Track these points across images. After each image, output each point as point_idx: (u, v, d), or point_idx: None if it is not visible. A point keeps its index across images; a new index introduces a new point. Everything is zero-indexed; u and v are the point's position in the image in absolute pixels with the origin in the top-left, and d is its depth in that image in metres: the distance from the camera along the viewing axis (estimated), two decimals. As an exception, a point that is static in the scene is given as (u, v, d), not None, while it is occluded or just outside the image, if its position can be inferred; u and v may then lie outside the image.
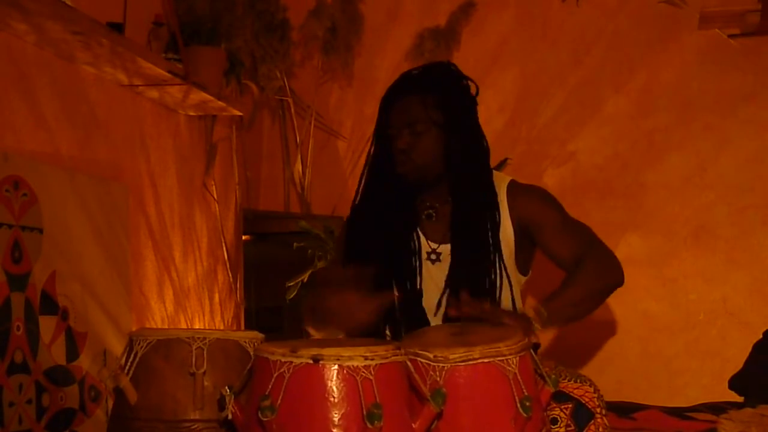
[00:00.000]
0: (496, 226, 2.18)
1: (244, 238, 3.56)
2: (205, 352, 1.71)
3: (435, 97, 2.19)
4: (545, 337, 3.35)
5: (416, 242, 2.21)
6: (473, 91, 2.26)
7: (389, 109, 2.23)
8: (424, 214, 2.23)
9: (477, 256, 2.14)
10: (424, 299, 2.18)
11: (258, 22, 3.46)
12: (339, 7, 3.72)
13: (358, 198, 2.32)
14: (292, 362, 1.48)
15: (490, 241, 2.16)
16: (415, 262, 2.19)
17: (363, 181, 2.31)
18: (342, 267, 2.24)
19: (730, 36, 3.57)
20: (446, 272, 2.17)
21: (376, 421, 1.42)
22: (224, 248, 3.46)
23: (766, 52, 3.56)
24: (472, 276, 2.13)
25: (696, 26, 3.60)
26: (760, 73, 3.56)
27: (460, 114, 2.22)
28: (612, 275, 2.16)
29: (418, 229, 2.23)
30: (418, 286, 2.17)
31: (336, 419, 1.46)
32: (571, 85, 3.75)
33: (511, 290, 2.17)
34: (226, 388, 1.57)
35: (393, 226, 2.21)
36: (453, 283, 2.13)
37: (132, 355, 1.74)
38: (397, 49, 3.85)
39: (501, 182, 2.24)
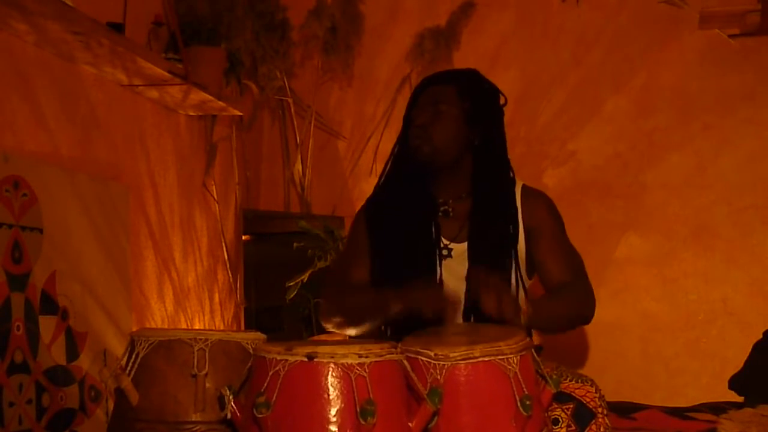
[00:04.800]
0: (515, 230, 2.20)
1: (244, 238, 3.56)
2: (207, 354, 1.71)
3: (468, 91, 2.23)
4: (546, 337, 3.36)
5: (435, 234, 2.22)
6: (501, 101, 2.30)
7: (420, 94, 2.27)
8: (441, 211, 2.24)
9: (495, 260, 2.16)
10: None
11: (258, 22, 3.46)
12: (339, 7, 3.72)
13: (379, 184, 2.34)
14: (287, 360, 1.49)
15: (509, 248, 2.18)
16: (435, 254, 2.20)
17: (385, 169, 2.33)
18: (358, 257, 2.27)
19: (730, 36, 3.57)
20: (456, 269, 2.17)
21: (369, 418, 1.43)
22: (224, 248, 3.46)
23: (766, 52, 3.57)
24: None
25: (696, 26, 3.60)
26: (760, 73, 3.57)
27: (488, 111, 2.25)
28: (586, 310, 2.21)
29: (435, 224, 2.24)
30: (438, 278, 2.18)
31: (330, 416, 1.47)
32: (571, 85, 3.75)
33: (525, 293, 2.18)
34: (226, 387, 1.58)
35: (412, 216, 2.23)
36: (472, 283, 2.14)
37: (133, 356, 1.73)
38: (397, 49, 3.85)
39: (516, 186, 2.26)
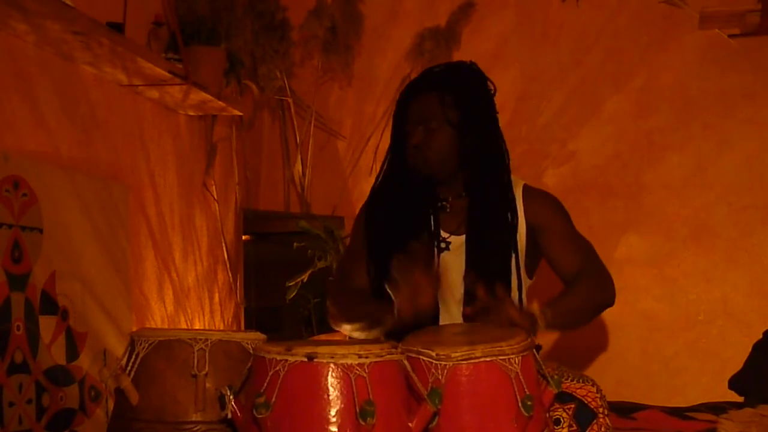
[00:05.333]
0: (513, 225, 2.21)
1: (244, 238, 3.56)
2: (207, 354, 1.71)
3: (452, 96, 2.21)
4: (546, 337, 3.36)
5: (434, 226, 2.23)
6: (491, 89, 2.28)
7: (407, 105, 2.26)
8: (439, 206, 2.26)
9: (494, 249, 2.16)
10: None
11: (258, 22, 3.46)
12: (339, 7, 3.72)
13: (377, 184, 2.35)
14: (287, 360, 1.49)
15: (507, 238, 2.18)
16: (434, 245, 2.21)
17: (382, 171, 2.34)
18: (359, 255, 2.28)
19: (730, 36, 3.57)
20: (454, 262, 2.18)
21: (368, 418, 1.43)
22: (224, 248, 3.46)
23: (766, 52, 3.57)
24: (488, 268, 2.15)
25: (696, 26, 3.60)
26: (760, 73, 3.57)
27: (477, 114, 2.24)
28: (606, 294, 2.23)
29: (433, 217, 2.25)
30: (436, 270, 2.18)
31: (330, 416, 1.47)
32: (571, 85, 3.75)
33: (520, 290, 2.19)
34: (226, 387, 1.58)
35: (409, 211, 2.24)
36: (468, 275, 2.15)
37: (133, 356, 1.73)
38: (397, 49, 3.85)
39: (516, 185, 2.27)
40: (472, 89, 2.26)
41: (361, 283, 2.26)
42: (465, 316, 2.09)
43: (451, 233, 2.23)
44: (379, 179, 2.34)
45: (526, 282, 2.25)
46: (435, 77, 2.29)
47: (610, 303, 2.24)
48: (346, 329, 2.22)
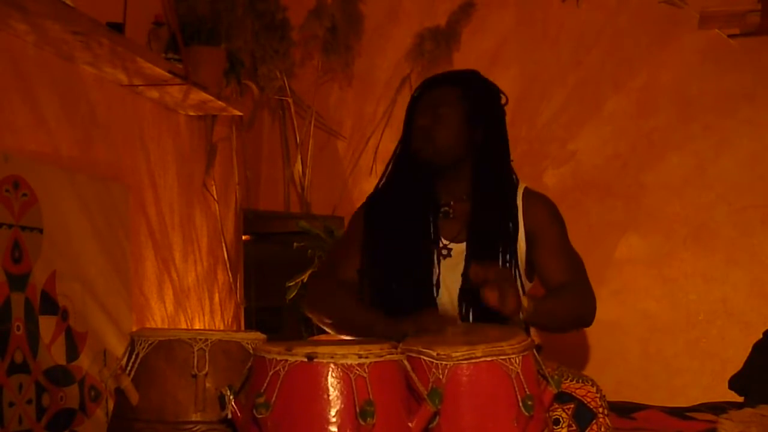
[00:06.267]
0: (515, 231, 2.20)
1: (244, 238, 3.56)
2: (206, 354, 1.71)
3: (465, 90, 2.24)
4: (546, 337, 3.36)
5: (434, 234, 2.23)
6: (502, 101, 2.30)
7: (419, 98, 2.28)
8: (441, 212, 2.25)
9: (494, 258, 2.16)
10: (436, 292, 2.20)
11: (258, 22, 3.46)
12: (339, 7, 3.72)
13: (381, 183, 2.35)
14: (287, 360, 1.49)
15: (508, 246, 2.18)
16: (434, 253, 2.20)
17: (386, 171, 2.33)
18: (352, 251, 2.27)
19: (730, 36, 3.57)
20: (455, 269, 2.18)
21: (368, 418, 1.44)
22: (224, 248, 3.46)
23: (766, 52, 3.57)
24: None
25: (696, 26, 3.61)
26: (760, 73, 3.57)
27: (488, 110, 2.26)
28: (586, 310, 2.21)
29: (434, 224, 2.24)
30: (435, 279, 2.18)
31: (330, 416, 1.47)
32: (571, 85, 3.75)
33: (524, 294, 2.18)
34: (227, 387, 1.58)
35: (411, 215, 2.23)
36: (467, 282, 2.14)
37: (133, 356, 1.74)
38: (397, 49, 3.85)
39: (518, 188, 2.26)
40: (488, 92, 2.28)
41: (347, 277, 2.25)
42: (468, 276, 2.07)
43: (452, 240, 2.22)
44: (383, 179, 2.34)
45: (526, 285, 2.25)
46: (453, 75, 2.33)
47: (587, 321, 2.22)
48: (321, 322, 2.22)
